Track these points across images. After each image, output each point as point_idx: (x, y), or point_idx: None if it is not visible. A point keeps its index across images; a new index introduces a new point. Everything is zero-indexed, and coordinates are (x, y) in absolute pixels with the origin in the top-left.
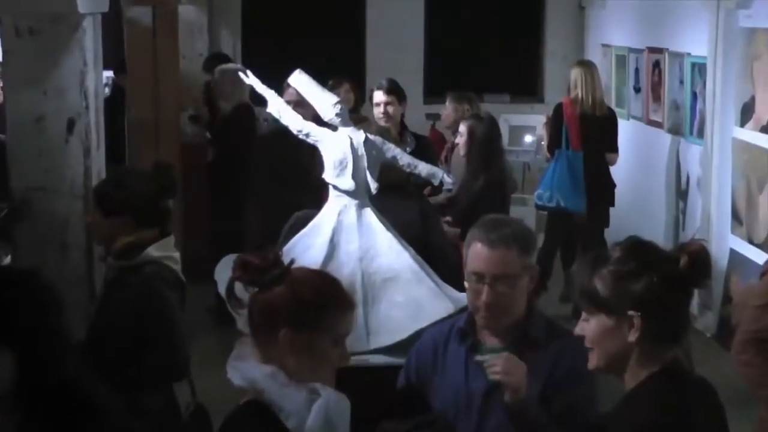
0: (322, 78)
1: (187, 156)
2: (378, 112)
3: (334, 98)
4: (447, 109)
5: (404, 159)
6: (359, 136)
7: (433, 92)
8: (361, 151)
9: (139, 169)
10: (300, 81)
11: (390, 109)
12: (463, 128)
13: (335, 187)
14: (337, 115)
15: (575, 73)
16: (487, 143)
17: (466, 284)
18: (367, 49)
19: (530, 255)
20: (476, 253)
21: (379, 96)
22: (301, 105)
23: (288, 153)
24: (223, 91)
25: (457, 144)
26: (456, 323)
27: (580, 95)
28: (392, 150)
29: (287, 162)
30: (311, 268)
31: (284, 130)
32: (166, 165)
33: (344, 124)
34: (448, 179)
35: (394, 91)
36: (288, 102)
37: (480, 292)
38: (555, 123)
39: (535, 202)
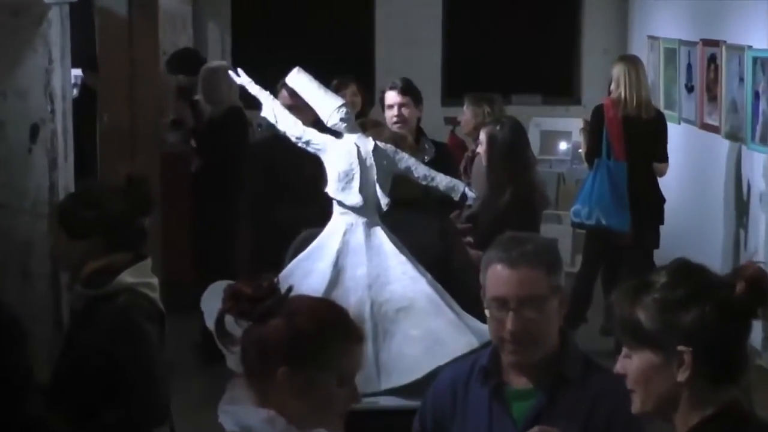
0: (324, 78)
1: (168, 167)
2: (391, 115)
3: (339, 100)
4: (465, 113)
5: (420, 170)
6: (368, 143)
7: (453, 93)
8: (370, 161)
9: (109, 184)
10: (299, 81)
11: (405, 111)
12: (482, 135)
13: (340, 203)
14: (342, 119)
15: (617, 71)
16: (511, 151)
17: (487, 314)
18: (376, 45)
19: (557, 274)
20: (496, 275)
21: (392, 97)
22: (296, 109)
23: (289, 162)
24: (209, 92)
25: (478, 153)
26: (478, 360)
27: (623, 96)
28: (406, 160)
29: (288, 172)
30: (312, 297)
31: (281, 137)
32: (141, 179)
33: (350, 130)
34: (470, 193)
35: (410, 91)
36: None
37: (504, 321)
38: (594, 128)
39: (572, 220)
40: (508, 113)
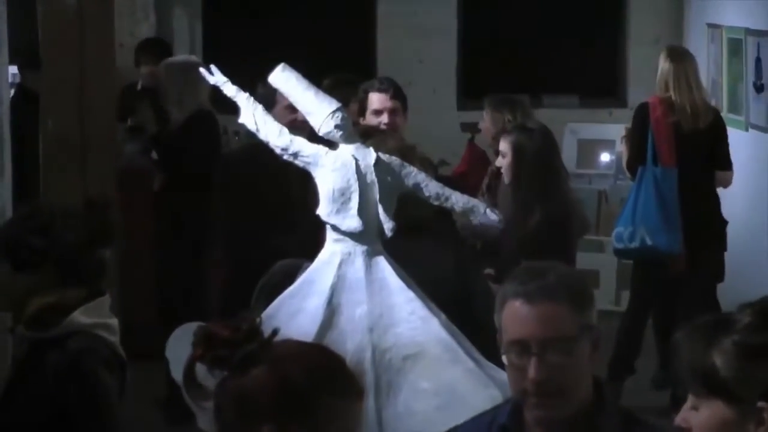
0: (315, 76)
1: (125, 184)
2: (379, 122)
3: (333, 104)
4: (485, 119)
5: (431, 188)
6: (368, 155)
7: (471, 93)
8: (371, 176)
9: (63, 206)
10: (284, 81)
11: (397, 119)
12: (504, 146)
13: (334, 228)
14: (337, 127)
15: (663, 65)
16: (541, 164)
17: (505, 361)
18: (378, 35)
19: (588, 310)
20: (513, 314)
21: (381, 101)
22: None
23: (272, 179)
24: (172, 93)
25: (500, 168)
26: (496, 418)
27: (672, 95)
28: (415, 175)
29: (271, 191)
30: (302, 342)
31: (262, 148)
32: (102, 202)
33: (347, 139)
34: (493, 215)
35: (400, 94)
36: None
37: (525, 369)
38: (637, 129)
39: (614, 246)
40: (538, 118)
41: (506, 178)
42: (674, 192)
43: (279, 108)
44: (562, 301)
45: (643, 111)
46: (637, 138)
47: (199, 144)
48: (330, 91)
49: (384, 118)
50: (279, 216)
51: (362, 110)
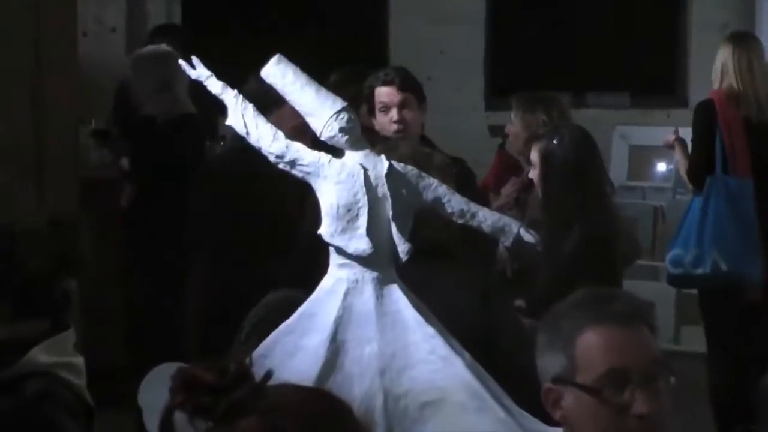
0: (318, 69)
1: (89, 198)
2: (387, 120)
3: (338, 103)
4: (514, 122)
5: (455, 203)
6: (379, 164)
7: (501, 91)
8: (383, 189)
9: (27, 226)
10: (280, 75)
11: (407, 114)
12: (533, 153)
13: (339, 251)
14: (342, 130)
15: (723, 55)
16: (576, 176)
17: (588, 399)
18: (391, 21)
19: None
20: (603, 341)
21: (387, 94)
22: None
23: (263, 192)
24: (145, 91)
25: (530, 179)
26: None
27: (735, 88)
28: (435, 188)
29: (262, 206)
30: (300, 386)
31: (251, 155)
32: (69, 222)
33: (354, 145)
34: (528, 236)
35: (411, 85)
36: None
37: (627, 406)
38: (701, 131)
39: (668, 272)
40: (581, 120)
41: (537, 190)
42: (751, 206)
43: (286, 109)
44: (651, 327)
45: (707, 109)
46: (701, 140)
47: (180, 153)
48: (338, 88)
49: (393, 114)
50: (270, 237)
51: (371, 109)
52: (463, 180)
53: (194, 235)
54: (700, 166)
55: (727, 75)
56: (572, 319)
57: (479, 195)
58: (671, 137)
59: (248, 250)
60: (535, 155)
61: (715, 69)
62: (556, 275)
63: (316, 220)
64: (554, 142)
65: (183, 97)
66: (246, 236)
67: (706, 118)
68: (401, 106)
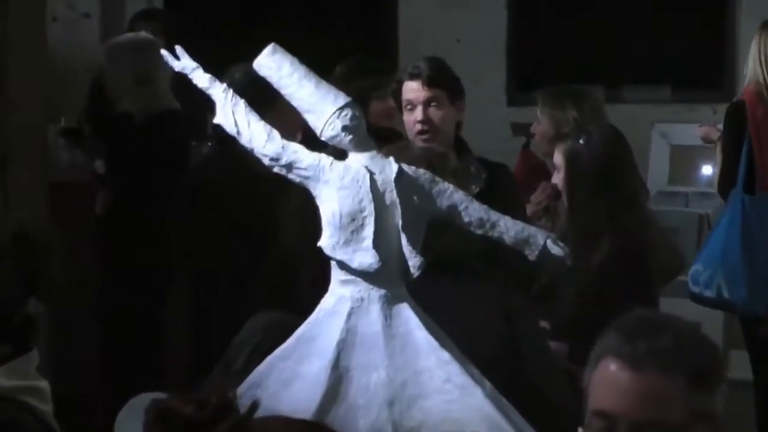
0: (320, 61)
1: (60, 204)
2: (413, 120)
3: (341, 98)
4: (540, 120)
5: (473, 211)
6: (388, 168)
7: (525, 85)
8: (392, 196)
9: None
10: (275, 66)
11: (435, 114)
12: (557, 155)
13: (342, 265)
14: (345, 128)
15: (752, 45)
16: (605, 180)
17: None
18: (400, 6)
19: (710, 393)
20: (608, 378)
21: (412, 90)
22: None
23: (254, 199)
24: (122, 85)
25: (555, 184)
26: None
27: (762, 81)
28: (450, 194)
29: (253, 216)
30: (294, 420)
31: (242, 157)
32: (38, 238)
33: (359, 146)
34: (556, 248)
35: (442, 80)
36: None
37: None
38: (729, 137)
39: (690, 290)
40: (612, 116)
41: (563, 196)
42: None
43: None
44: (674, 374)
45: (735, 110)
46: (730, 149)
47: (161, 154)
48: (344, 81)
49: (418, 114)
50: (262, 249)
51: (399, 107)
52: (501, 190)
53: (177, 247)
54: (729, 178)
55: (755, 67)
56: (602, 342)
57: (522, 209)
58: (711, 131)
59: (237, 261)
60: (558, 157)
61: (746, 62)
62: (582, 294)
63: (317, 231)
64: (580, 141)
65: (165, 91)
66: (239, 250)
67: (734, 122)
68: (427, 104)
